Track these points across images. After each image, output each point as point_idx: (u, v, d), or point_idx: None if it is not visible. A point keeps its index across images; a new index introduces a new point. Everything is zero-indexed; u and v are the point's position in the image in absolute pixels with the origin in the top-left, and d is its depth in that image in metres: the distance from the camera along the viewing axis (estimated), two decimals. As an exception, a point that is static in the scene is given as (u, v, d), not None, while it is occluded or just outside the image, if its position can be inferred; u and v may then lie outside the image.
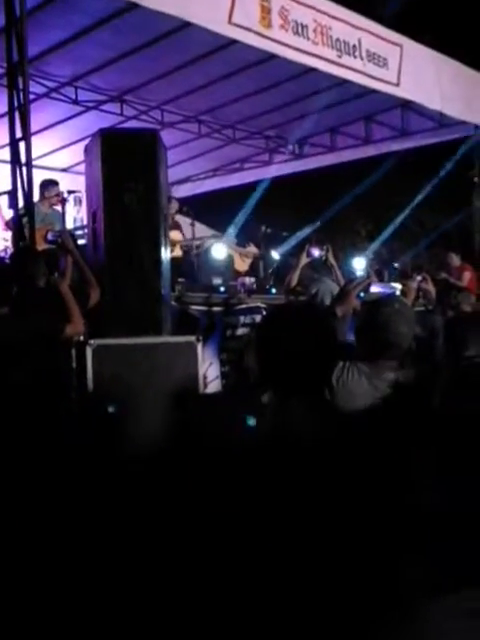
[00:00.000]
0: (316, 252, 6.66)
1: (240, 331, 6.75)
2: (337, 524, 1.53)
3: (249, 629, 1.49)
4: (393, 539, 1.51)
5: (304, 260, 6.38)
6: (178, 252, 8.59)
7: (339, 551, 1.50)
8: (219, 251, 8.47)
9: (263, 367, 2.03)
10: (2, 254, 7.68)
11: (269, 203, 11.42)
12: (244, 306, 7.51)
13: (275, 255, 9.40)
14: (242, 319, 7.21)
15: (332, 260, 6.75)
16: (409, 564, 1.49)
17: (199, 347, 5.00)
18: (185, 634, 1.56)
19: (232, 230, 9.76)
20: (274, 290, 8.48)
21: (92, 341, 4.61)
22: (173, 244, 8.39)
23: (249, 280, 8.48)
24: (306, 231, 10.07)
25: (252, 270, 9.43)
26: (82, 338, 4.70)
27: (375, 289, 4.62)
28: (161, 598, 1.66)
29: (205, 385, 5.27)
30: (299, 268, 6.31)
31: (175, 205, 9.04)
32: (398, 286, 4.79)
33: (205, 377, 5.32)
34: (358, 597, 1.44)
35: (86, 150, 5.29)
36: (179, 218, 9.25)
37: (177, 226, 8.97)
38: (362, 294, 3.57)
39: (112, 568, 2.30)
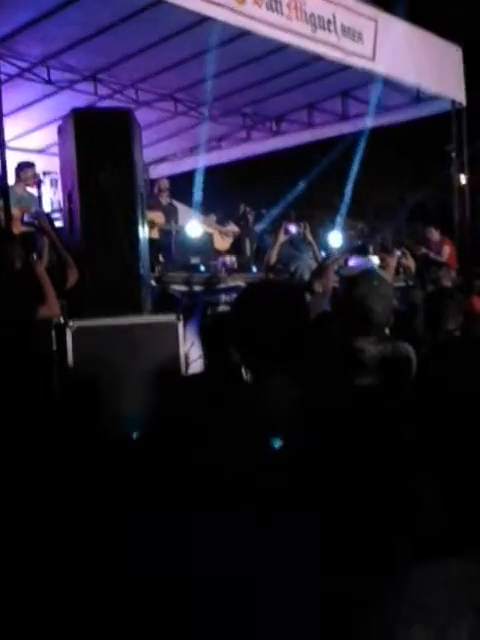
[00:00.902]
0: (293, 229, 6.66)
1: (221, 310, 6.75)
2: (322, 497, 1.54)
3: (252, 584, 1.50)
4: (380, 509, 1.53)
5: (282, 237, 6.39)
6: (155, 234, 8.54)
7: (327, 523, 1.51)
8: (194, 229, 8.43)
9: (239, 346, 2.03)
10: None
11: (248, 181, 11.39)
12: (225, 285, 7.51)
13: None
14: (223, 298, 7.21)
15: (310, 237, 6.76)
16: (395, 532, 1.51)
17: (180, 326, 4.99)
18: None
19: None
20: (255, 268, 8.48)
21: (72, 322, 4.59)
22: (151, 225, 8.35)
23: (230, 259, 8.47)
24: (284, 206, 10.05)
25: (234, 249, 9.41)
26: (62, 320, 4.67)
27: (353, 263, 4.62)
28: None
29: (187, 365, 5.25)
30: (277, 245, 6.31)
31: (165, 184, 9.03)
32: (376, 260, 4.80)
33: (187, 357, 5.30)
34: (347, 559, 1.46)
35: (59, 130, 5.23)
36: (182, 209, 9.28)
37: (166, 210, 8.94)
38: (340, 270, 3.58)
39: (94, 552, 2.30)
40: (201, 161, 11.90)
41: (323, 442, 1.67)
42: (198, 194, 10.64)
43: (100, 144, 4.78)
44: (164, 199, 9.09)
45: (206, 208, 10.34)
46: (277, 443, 1.68)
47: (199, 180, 10.73)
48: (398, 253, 6.44)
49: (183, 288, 7.37)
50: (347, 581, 1.47)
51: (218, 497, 1.62)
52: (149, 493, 1.76)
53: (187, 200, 10.78)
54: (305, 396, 1.87)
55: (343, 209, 11.29)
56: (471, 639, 1.29)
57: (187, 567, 1.55)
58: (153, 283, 6.29)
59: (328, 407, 1.84)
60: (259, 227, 9.59)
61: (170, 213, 9.01)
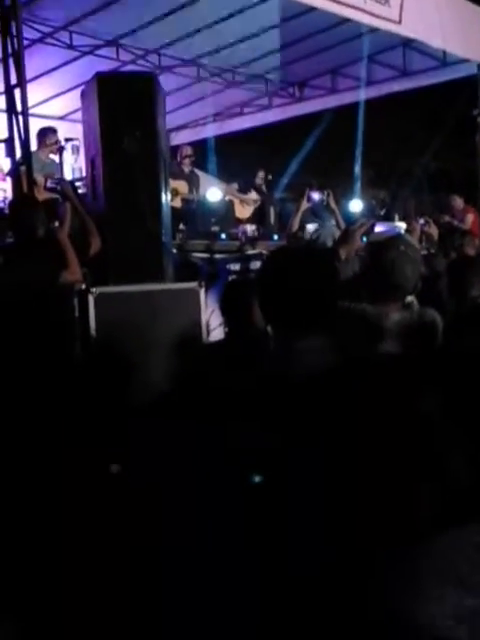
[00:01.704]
0: (316, 196, 6.61)
1: (241, 277, 6.73)
2: (351, 461, 1.53)
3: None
4: (405, 472, 1.52)
5: (304, 205, 6.33)
6: (178, 202, 8.52)
7: (355, 485, 1.51)
8: (214, 194, 8.40)
9: (266, 310, 2.01)
10: (0, 204, 7.60)
11: (269, 148, 11.29)
12: (246, 253, 7.48)
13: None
14: (244, 266, 7.19)
15: (333, 204, 6.70)
16: (421, 496, 1.50)
17: (202, 293, 4.98)
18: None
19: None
20: (276, 236, 8.43)
21: (94, 289, 4.59)
22: (175, 193, 8.33)
23: (251, 227, 8.44)
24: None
25: (256, 217, 9.36)
26: (84, 287, 4.68)
27: (379, 229, 4.57)
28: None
29: (208, 333, 5.25)
30: (300, 213, 6.26)
31: (188, 151, 8.97)
32: (403, 225, 4.74)
33: (208, 324, 5.30)
34: (370, 525, 1.46)
35: (83, 95, 5.19)
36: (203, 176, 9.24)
37: (189, 178, 8.89)
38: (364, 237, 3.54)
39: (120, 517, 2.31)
40: (223, 128, 11.84)
41: (347, 407, 1.66)
42: (218, 162, 10.60)
43: (124, 109, 4.73)
44: (186, 167, 9.04)
45: (228, 176, 10.28)
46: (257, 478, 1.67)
47: (220, 147, 10.68)
48: (421, 221, 6.37)
49: (204, 256, 7.36)
50: (373, 546, 1.47)
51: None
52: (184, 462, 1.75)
53: (208, 168, 10.73)
54: (342, 360, 1.85)
55: (364, 177, 11.18)
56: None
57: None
58: (174, 251, 6.27)
59: (357, 371, 1.82)
60: (276, 194, 9.50)
61: (192, 181, 8.97)
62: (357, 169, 11.81)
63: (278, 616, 1.50)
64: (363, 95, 10.96)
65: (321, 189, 6.97)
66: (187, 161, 9.03)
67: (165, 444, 1.83)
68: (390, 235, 3.19)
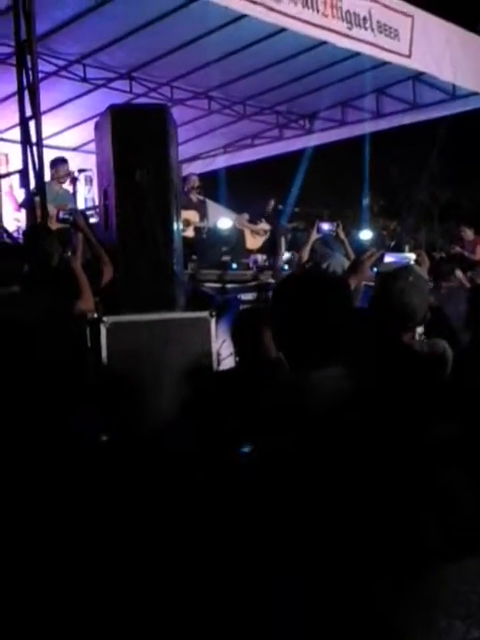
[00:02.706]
0: (326, 227, 6.65)
1: (251, 306, 6.75)
2: (363, 493, 1.53)
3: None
4: (416, 505, 1.52)
5: (314, 236, 6.37)
6: (190, 232, 8.59)
7: (365, 518, 1.51)
8: (225, 223, 8.47)
9: (279, 340, 1.97)
10: (15, 234, 7.68)
11: (279, 178, 11.38)
12: (258, 283, 7.52)
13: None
14: (256, 296, 7.22)
15: (342, 235, 6.74)
16: (430, 530, 1.50)
17: (212, 323, 4.99)
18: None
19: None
20: (286, 266, 8.46)
21: (106, 319, 4.61)
22: (187, 223, 8.40)
23: (261, 257, 8.48)
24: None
25: (265, 247, 9.40)
26: (96, 316, 4.70)
27: (389, 259, 4.60)
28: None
29: (219, 362, 5.26)
30: (310, 243, 6.30)
31: (192, 183, 9.03)
32: (412, 256, 4.79)
33: (219, 354, 5.31)
34: (381, 557, 1.45)
35: (96, 127, 5.26)
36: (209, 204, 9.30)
37: (198, 207, 8.96)
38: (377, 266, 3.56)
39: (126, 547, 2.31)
40: (234, 159, 11.95)
41: (361, 439, 1.65)
42: (229, 193, 10.66)
43: (137, 141, 4.78)
44: (194, 196, 9.11)
45: (238, 206, 10.35)
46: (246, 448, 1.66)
47: (231, 178, 10.76)
48: (413, 256, 6.43)
49: (216, 285, 7.39)
50: (383, 575, 1.47)
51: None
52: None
53: (219, 198, 10.81)
54: (358, 390, 1.82)
55: (374, 207, 11.24)
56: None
57: None
58: (186, 280, 6.31)
59: (371, 403, 1.80)
60: (286, 224, 9.54)
61: (202, 211, 9.04)
62: (366, 200, 11.87)
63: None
64: (373, 127, 11.07)
65: (331, 220, 7.02)
66: (195, 191, 9.11)
67: None
68: (399, 266, 3.21)
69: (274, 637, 1.52)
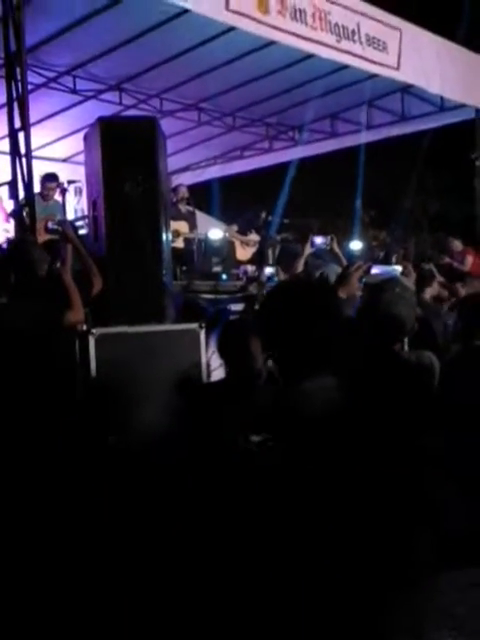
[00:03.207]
0: (319, 241, 6.68)
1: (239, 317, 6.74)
2: (355, 501, 1.53)
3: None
4: (407, 516, 1.52)
5: (308, 249, 6.39)
6: (180, 243, 8.59)
7: (357, 529, 1.50)
8: (216, 234, 8.48)
9: (269, 349, 1.97)
10: (4, 245, 7.68)
11: (269, 190, 11.40)
12: (248, 294, 7.51)
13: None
14: (247, 307, 7.21)
15: (337, 249, 6.76)
16: (421, 541, 1.50)
17: (202, 334, 4.99)
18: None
19: None
20: (276, 278, 8.46)
21: (95, 330, 4.61)
22: (176, 234, 8.41)
23: (251, 268, 8.49)
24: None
25: (255, 258, 9.40)
26: (85, 327, 4.69)
27: (376, 271, 4.62)
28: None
29: (209, 374, 5.26)
30: (303, 256, 6.31)
31: (181, 194, 9.03)
32: (399, 268, 4.81)
33: (209, 365, 5.31)
34: (373, 564, 1.45)
35: (85, 138, 5.27)
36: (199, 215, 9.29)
37: (187, 218, 8.97)
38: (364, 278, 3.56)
39: (112, 559, 2.30)
40: (224, 170, 11.98)
41: (351, 451, 1.64)
42: (219, 204, 10.67)
43: (125, 152, 4.80)
44: (183, 207, 9.10)
45: (228, 218, 10.36)
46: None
47: (221, 190, 10.77)
48: (399, 267, 6.45)
49: (207, 297, 7.39)
50: (373, 584, 1.47)
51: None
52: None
53: (209, 209, 10.83)
54: (350, 400, 1.81)
55: (364, 218, 11.29)
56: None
57: None
58: (176, 292, 6.31)
59: (361, 412, 1.80)
60: (276, 235, 9.54)
61: (191, 221, 9.05)
62: (357, 210, 11.92)
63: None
64: (362, 139, 11.14)
65: (324, 234, 7.05)
66: (184, 202, 9.11)
67: None
68: (386, 277, 3.23)
69: (272, 631, 1.51)
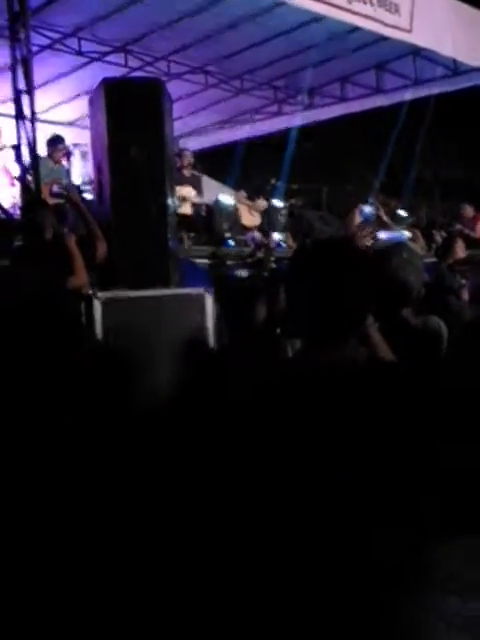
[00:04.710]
0: (367, 210, 6.70)
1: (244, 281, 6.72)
2: (362, 473, 1.51)
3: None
4: (418, 484, 1.50)
5: (358, 219, 6.33)
6: (188, 209, 8.52)
7: (364, 496, 1.49)
8: (226, 199, 8.45)
9: (294, 311, 1.81)
10: (11, 210, 7.63)
11: (276, 155, 11.29)
12: (254, 259, 7.48)
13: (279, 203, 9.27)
14: (255, 272, 7.17)
15: (385, 217, 6.72)
16: (428, 510, 1.48)
17: (208, 299, 4.96)
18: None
19: None
20: (284, 244, 8.41)
21: (100, 294, 4.58)
22: (183, 200, 8.34)
23: (259, 234, 8.44)
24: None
25: (263, 224, 9.34)
26: (90, 291, 4.67)
27: (383, 236, 4.58)
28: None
29: (217, 338, 5.24)
30: (353, 224, 6.24)
31: (188, 159, 8.93)
32: (407, 233, 4.77)
33: (217, 330, 5.29)
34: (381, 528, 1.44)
35: (90, 101, 5.19)
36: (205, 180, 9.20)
37: (192, 183, 8.87)
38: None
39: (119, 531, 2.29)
40: (233, 134, 11.85)
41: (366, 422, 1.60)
42: (228, 169, 10.56)
43: (131, 115, 4.73)
44: (189, 171, 8.99)
45: (237, 183, 10.27)
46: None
47: (230, 154, 10.65)
48: (407, 233, 6.43)
49: (213, 262, 7.36)
50: (379, 550, 1.45)
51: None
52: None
53: (217, 174, 10.72)
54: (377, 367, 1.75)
55: (375, 184, 11.17)
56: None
57: None
58: (183, 257, 6.28)
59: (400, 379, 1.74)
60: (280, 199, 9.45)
61: (197, 186, 8.96)
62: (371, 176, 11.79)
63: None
64: (373, 103, 10.98)
65: (370, 203, 7.07)
66: (188, 166, 8.99)
67: None
68: (393, 243, 3.17)
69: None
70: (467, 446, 1.60)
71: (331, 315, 1.71)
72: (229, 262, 7.29)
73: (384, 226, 6.74)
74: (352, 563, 1.45)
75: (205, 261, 7.12)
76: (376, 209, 6.67)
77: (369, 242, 3.10)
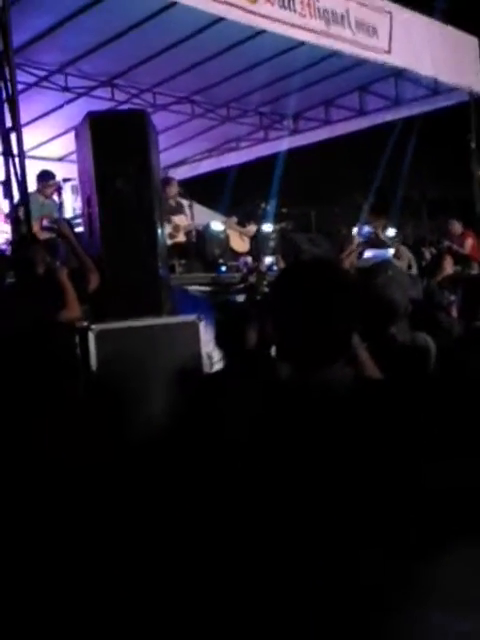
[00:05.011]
0: (366, 229, 6.77)
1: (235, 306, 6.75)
2: (353, 497, 1.53)
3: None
4: (399, 503, 1.52)
5: (357, 239, 6.39)
6: (182, 237, 8.57)
7: (367, 515, 1.50)
8: (217, 226, 8.52)
9: (278, 338, 1.80)
10: (3, 246, 7.68)
11: (265, 180, 11.38)
12: (246, 285, 7.52)
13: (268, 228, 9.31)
14: (248, 297, 7.21)
15: (382, 236, 6.78)
16: (410, 527, 1.50)
17: (201, 326, 4.99)
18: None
19: None
20: (276, 267, 8.45)
21: (94, 326, 4.61)
22: (177, 229, 8.40)
23: (250, 259, 8.49)
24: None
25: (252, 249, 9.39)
26: (85, 324, 4.70)
27: (368, 254, 4.63)
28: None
29: (211, 365, 5.26)
30: (354, 247, 6.30)
31: (176, 187, 8.98)
32: (391, 251, 4.83)
33: (210, 357, 5.31)
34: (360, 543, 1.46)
35: (76, 135, 5.27)
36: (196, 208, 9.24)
37: (180, 210, 8.92)
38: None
39: (116, 560, 2.30)
40: (220, 162, 11.95)
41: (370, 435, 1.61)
42: (218, 196, 10.63)
43: (116, 147, 4.80)
44: (177, 200, 9.01)
45: (227, 210, 10.34)
46: None
47: (219, 182, 10.73)
48: (392, 250, 6.50)
49: (206, 289, 7.40)
50: (366, 571, 1.47)
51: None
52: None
53: (207, 202, 10.80)
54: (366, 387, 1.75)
55: (364, 205, 11.26)
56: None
57: None
58: (175, 285, 6.32)
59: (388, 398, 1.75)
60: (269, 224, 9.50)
61: (188, 214, 9.01)
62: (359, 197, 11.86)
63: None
64: (357, 126, 11.11)
65: (369, 223, 7.15)
66: (178, 196, 9.00)
67: None
68: (378, 261, 3.22)
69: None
70: (453, 463, 1.62)
71: (316, 337, 1.70)
72: (218, 288, 7.34)
73: (382, 245, 6.79)
74: (339, 583, 1.46)
75: (198, 288, 7.17)
76: (374, 228, 6.74)
77: (355, 261, 3.15)
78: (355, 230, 8.79)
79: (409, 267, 6.20)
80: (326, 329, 1.68)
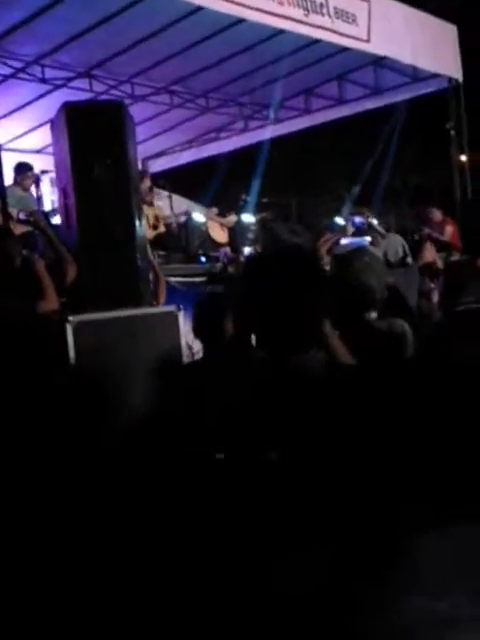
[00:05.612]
0: (358, 220, 6.78)
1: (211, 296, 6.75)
2: (335, 481, 1.53)
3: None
4: (386, 485, 1.52)
5: (350, 229, 6.41)
6: (162, 228, 8.54)
7: (342, 501, 1.50)
8: (199, 217, 8.51)
9: (250, 324, 1.86)
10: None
11: (247, 170, 11.37)
12: (226, 275, 7.52)
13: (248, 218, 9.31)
14: (228, 288, 7.20)
15: (375, 225, 6.80)
16: (393, 512, 1.50)
17: (181, 317, 4.98)
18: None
19: None
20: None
21: (71, 318, 4.58)
22: (157, 220, 8.37)
23: (230, 250, 8.49)
24: None
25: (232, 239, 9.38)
26: (62, 316, 4.67)
27: (345, 242, 4.64)
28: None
29: (191, 356, 5.25)
30: (331, 238, 6.32)
31: (147, 182, 8.90)
32: (368, 238, 4.86)
33: (190, 348, 5.30)
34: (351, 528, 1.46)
35: (52, 126, 5.23)
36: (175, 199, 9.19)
37: (152, 203, 8.86)
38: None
39: (103, 554, 2.29)
40: (200, 153, 11.91)
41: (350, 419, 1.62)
42: (198, 187, 10.60)
43: (93, 137, 4.77)
44: (148, 195, 8.89)
45: (208, 200, 10.32)
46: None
47: (200, 172, 10.70)
48: (368, 238, 6.54)
49: (186, 279, 7.39)
50: (350, 548, 1.47)
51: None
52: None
53: (187, 192, 10.77)
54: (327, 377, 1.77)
55: (348, 195, 11.28)
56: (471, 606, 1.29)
57: None
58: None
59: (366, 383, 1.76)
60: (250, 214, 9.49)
61: (167, 204, 8.97)
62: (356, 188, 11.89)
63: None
64: (336, 114, 11.10)
65: (360, 213, 7.16)
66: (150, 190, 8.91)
67: None
68: (354, 247, 3.22)
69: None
70: (429, 446, 1.63)
71: (285, 325, 1.72)
72: (198, 279, 7.33)
73: (376, 234, 6.81)
74: (326, 564, 1.47)
75: (177, 279, 7.14)
76: (366, 218, 6.77)
77: (330, 249, 3.14)
78: (341, 220, 8.81)
79: (404, 255, 6.23)
80: (294, 318, 1.70)
